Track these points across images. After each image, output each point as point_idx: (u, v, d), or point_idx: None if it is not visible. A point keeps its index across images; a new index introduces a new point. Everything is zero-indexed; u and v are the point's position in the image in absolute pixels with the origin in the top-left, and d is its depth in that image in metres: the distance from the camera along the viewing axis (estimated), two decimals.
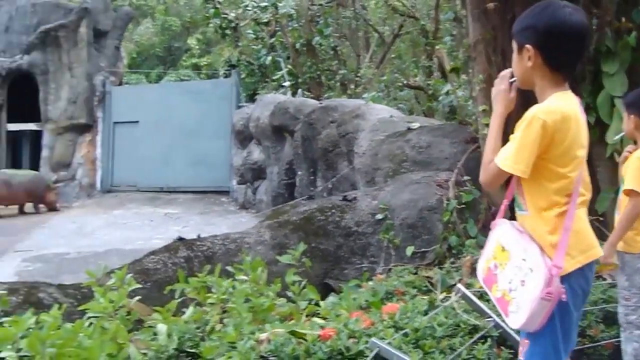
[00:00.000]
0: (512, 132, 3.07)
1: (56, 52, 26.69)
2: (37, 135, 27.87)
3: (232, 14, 25.88)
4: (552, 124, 2.95)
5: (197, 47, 43.71)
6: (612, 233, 4.58)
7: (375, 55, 26.61)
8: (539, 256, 3.00)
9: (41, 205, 23.10)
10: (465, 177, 7.91)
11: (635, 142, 4.77)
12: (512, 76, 3.28)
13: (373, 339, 4.02)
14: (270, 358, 4.01)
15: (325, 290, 7.03)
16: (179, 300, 5.61)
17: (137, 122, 26.75)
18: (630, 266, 4.61)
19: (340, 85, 23.92)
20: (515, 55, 3.26)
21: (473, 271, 6.20)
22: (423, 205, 7.66)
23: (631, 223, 4.51)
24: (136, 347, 4.58)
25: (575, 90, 3.22)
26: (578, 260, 3.06)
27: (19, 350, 4.22)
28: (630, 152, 4.75)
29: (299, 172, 15.21)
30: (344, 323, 4.43)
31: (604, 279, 5.41)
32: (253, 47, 26.48)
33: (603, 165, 7.01)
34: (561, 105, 3.04)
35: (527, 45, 3.13)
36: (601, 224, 5.69)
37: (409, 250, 7.34)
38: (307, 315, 5.36)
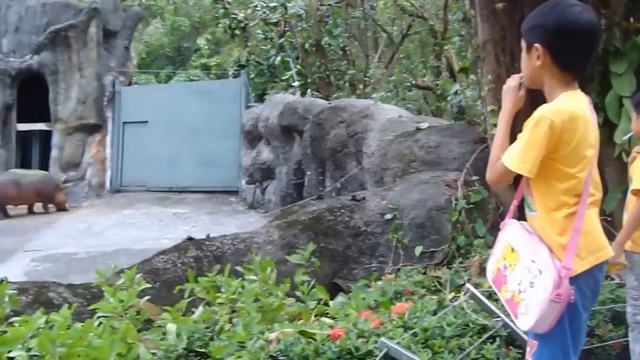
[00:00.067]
0: (520, 131, 3.07)
1: (66, 52, 26.75)
2: (46, 135, 27.92)
3: (241, 14, 25.88)
4: (559, 123, 2.94)
5: (206, 47, 43.75)
6: (619, 233, 4.58)
7: (384, 56, 26.61)
8: (548, 258, 2.99)
9: (50, 205, 23.12)
10: (474, 177, 7.90)
11: None
12: None
13: (382, 339, 4.03)
14: (280, 358, 4.02)
15: (334, 290, 7.03)
16: (189, 300, 5.63)
17: (146, 122, 26.80)
18: (639, 266, 4.61)
19: (349, 86, 23.92)
20: (524, 55, 3.25)
21: (481, 271, 6.20)
22: (432, 205, 7.65)
23: (639, 222, 4.51)
24: (145, 346, 4.59)
25: (584, 90, 3.22)
26: (588, 261, 3.05)
27: (29, 349, 4.24)
28: (639, 152, 4.75)
29: (308, 172, 15.21)
30: (353, 323, 4.44)
31: (612, 279, 5.41)
32: (262, 47, 26.48)
33: (611, 165, 7.00)
34: (569, 105, 3.03)
35: (536, 45, 3.12)
36: (609, 224, 5.68)
37: (418, 250, 7.34)
38: (316, 315, 5.37)
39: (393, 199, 7.88)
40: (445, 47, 20.88)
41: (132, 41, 31.01)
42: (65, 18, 27.00)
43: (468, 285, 4.99)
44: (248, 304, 5.15)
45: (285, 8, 22.79)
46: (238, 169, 24.45)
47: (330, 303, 5.69)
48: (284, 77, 23.54)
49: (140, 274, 5.82)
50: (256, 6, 23.78)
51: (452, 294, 5.65)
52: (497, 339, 4.24)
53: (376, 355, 3.95)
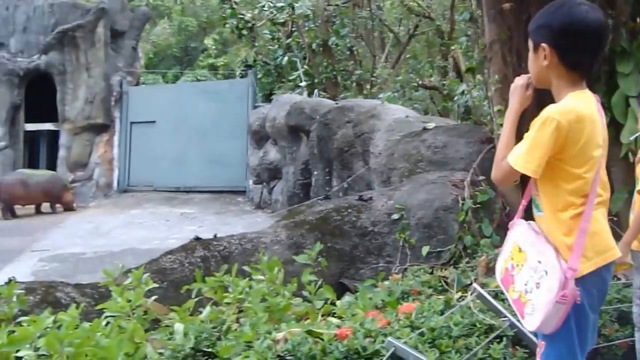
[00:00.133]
0: (527, 131, 3.07)
1: (74, 52, 26.81)
2: (54, 135, 27.99)
3: (249, 15, 25.92)
4: (566, 124, 2.94)
5: (213, 47, 43.76)
6: (626, 233, 4.57)
7: (391, 56, 26.62)
8: (554, 258, 2.99)
9: (58, 205, 23.19)
10: (481, 177, 7.90)
11: None
12: None
13: (389, 339, 4.03)
14: (287, 357, 4.03)
15: (341, 290, 7.03)
16: (196, 299, 5.63)
17: (153, 122, 26.85)
18: None
19: (356, 86, 23.91)
20: (531, 55, 3.25)
21: (488, 271, 6.21)
22: (439, 205, 7.65)
23: None
24: (153, 346, 4.60)
25: (591, 90, 3.21)
26: (594, 262, 3.04)
27: (37, 349, 4.26)
28: None
29: (315, 172, 15.21)
30: (360, 322, 4.44)
31: (619, 279, 5.41)
32: (269, 47, 26.52)
33: (617, 165, 6.99)
34: (576, 105, 3.02)
35: (543, 44, 3.11)
36: (615, 224, 5.68)
37: (425, 250, 7.34)
38: (323, 315, 5.38)
39: (400, 199, 7.88)
40: (452, 47, 20.86)
41: (139, 41, 31.05)
42: (73, 18, 27.07)
43: (475, 285, 4.99)
44: (255, 303, 5.16)
45: (293, 8, 22.80)
46: (245, 169, 24.50)
47: (337, 303, 5.69)
48: (291, 77, 23.55)
49: (147, 274, 5.84)
50: (263, 6, 23.80)
51: (459, 293, 5.65)
52: (504, 338, 4.24)
53: (383, 355, 3.96)
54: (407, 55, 26.60)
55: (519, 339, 4.35)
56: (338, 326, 4.49)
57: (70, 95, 26.97)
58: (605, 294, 3.27)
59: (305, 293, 5.72)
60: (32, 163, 28.25)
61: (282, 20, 24.36)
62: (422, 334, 4.25)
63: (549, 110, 3.00)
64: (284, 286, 5.61)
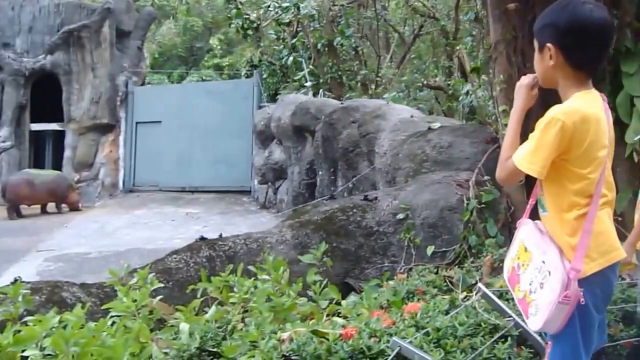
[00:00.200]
0: (532, 130, 3.07)
1: (79, 52, 26.83)
2: (59, 135, 27.99)
3: (254, 15, 25.91)
4: (571, 125, 2.94)
5: (218, 47, 43.75)
6: (631, 233, 4.57)
7: (396, 56, 26.64)
8: (558, 259, 3.00)
9: (63, 205, 23.20)
10: (486, 177, 7.90)
11: None
12: None
13: (394, 338, 4.03)
14: (292, 357, 4.03)
15: (346, 290, 7.04)
16: (201, 299, 5.64)
17: (159, 122, 26.85)
18: None
19: (361, 86, 23.89)
20: (536, 55, 3.26)
21: (493, 270, 6.21)
22: (444, 205, 7.65)
23: None
24: (158, 346, 4.61)
25: (596, 89, 3.22)
26: (598, 262, 3.05)
27: (43, 349, 4.26)
28: None
29: (320, 172, 15.21)
30: (365, 322, 4.45)
31: (623, 279, 5.41)
32: (275, 47, 26.52)
33: (622, 165, 6.99)
34: (581, 106, 3.02)
35: (548, 44, 3.12)
36: (620, 224, 5.68)
37: (430, 249, 7.34)
38: (328, 315, 5.38)
39: (405, 199, 7.88)
40: (457, 47, 20.87)
41: (145, 41, 31.04)
42: (79, 18, 27.09)
43: (480, 284, 4.99)
44: (260, 303, 5.16)
45: (298, 8, 22.79)
46: (250, 169, 24.49)
47: (343, 303, 5.69)
48: (296, 77, 23.56)
49: (153, 274, 5.85)
50: (269, 6, 23.82)
51: (464, 293, 5.65)
52: (509, 338, 4.24)
53: (388, 355, 3.96)
54: (412, 55, 26.58)
55: (524, 339, 4.35)
56: (343, 326, 4.49)
57: (76, 95, 26.99)
58: (611, 295, 3.28)
59: (310, 293, 5.72)
60: (38, 163, 28.26)
61: (287, 21, 24.35)
62: (427, 334, 4.26)
63: (553, 111, 3.00)
64: (289, 286, 5.61)
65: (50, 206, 23.10)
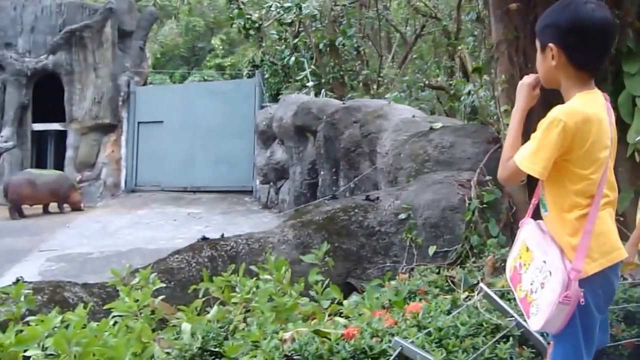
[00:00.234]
0: (534, 131, 3.07)
1: (81, 52, 26.85)
2: (61, 135, 28.01)
3: (256, 15, 25.91)
4: (573, 125, 2.94)
5: (220, 47, 43.74)
6: (633, 233, 4.57)
7: (398, 56, 26.65)
8: (559, 259, 3.00)
9: (65, 205, 23.23)
10: (487, 177, 7.90)
11: None
12: None
13: (396, 338, 4.03)
14: (294, 357, 4.03)
15: (348, 290, 7.04)
16: (203, 299, 5.65)
17: (161, 122, 26.88)
18: None
19: (363, 86, 23.88)
20: (539, 55, 3.25)
21: (495, 270, 6.21)
22: (445, 205, 7.65)
23: None
24: (160, 346, 4.62)
25: (598, 89, 3.21)
26: (600, 262, 3.04)
27: (45, 349, 4.28)
28: None
29: (322, 172, 15.21)
30: (367, 322, 4.44)
31: (625, 278, 5.41)
32: (276, 47, 26.51)
33: (623, 165, 6.99)
34: (583, 107, 3.02)
35: (550, 44, 3.11)
36: (621, 224, 5.68)
37: (432, 249, 7.34)
38: (329, 315, 5.38)
39: (407, 199, 7.88)
40: (459, 47, 20.85)
41: (147, 41, 31.06)
42: (81, 18, 27.13)
43: (481, 284, 4.99)
44: (262, 303, 5.17)
45: (300, 8, 22.78)
46: (252, 169, 24.52)
47: (344, 302, 5.69)
48: (298, 77, 23.54)
49: (155, 274, 5.87)
50: (270, 6, 23.80)
51: (466, 293, 5.65)
52: (511, 338, 4.24)
53: (390, 355, 3.96)
54: (414, 55, 26.60)
55: (525, 339, 4.34)
56: (345, 326, 4.49)
57: (78, 95, 27.01)
58: (613, 295, 3.27)
59: (312, 293, 5.73)
60: (40, 163, 28.27)
61: (289, 21, 24.33)
62: (429, 334, 4.25)
63: (555, 112, 3.00)
64: (291, 286, 5.61)
65: (52, 206, 23.13)
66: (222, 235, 7.83)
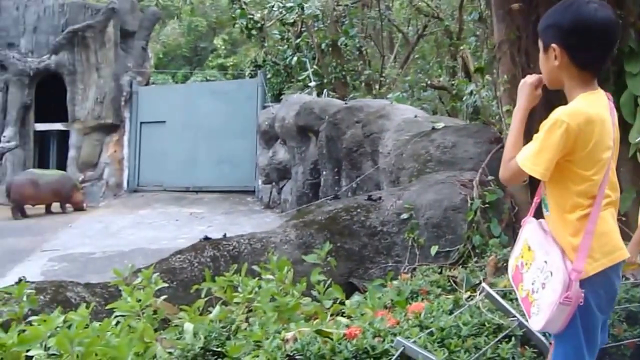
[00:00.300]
0: (537, 131, 3.06)
1: (84, 52, 26.88)
2: (64, 135, 28.05)
3: (258, 15, 25.88)
4: (575, 126, 2.93)
5: (223, 47, 43.75)
6: (635, 233, 4.57)
7: (400, 56, 26.65)
8: (560, 260, 3.00)
9: (68, 205, 23.25)
10: (490, 177, 7.90)
11: None
12: None
13: (398, 338, 4.03)
14: (296, 357, 4.03)
15: (350, 290, 7.04)
16: (205, 299, 5.65)
17: (163, 122, 26.91)
18: None
19: (365, 86, 23.89)
20: (541, 55, 3.24)
21: (497, 270, 6.21)
22: (447, 205, 7.65)
23: None
24: (162, 345, 4.62)
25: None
26: (601, 262, 3.04)
27: (47, 348, 4.28)
28: None
29: (324, 172, 15.21)
30: (369, 322, 4.44)
31: (627, 278, 5.41)
32: (279, 47, 26.49)
33: (625, 164, 6.98)
34: (586, 108, 3.01)
35: (553, 45, 3.10)
36: (623, 224, 5.68)
37: (434, 249, 7.34)
38: (332, 315, 5.38)
39: (409, 199, 7.88)
40: (461, 47, 20.84)
41: (149, 41, 31.07)
42: (83, 18, 27.17)
43: (483, 284, 4.99)
44: (265, 303, 5.17)
45: (302, 8, 22.76)
46: (254, 169, 24.54)
47: (346, 302, 5.69)
48: (300, 77, 23.51)
49: (157, 274, 5.86)
50: (273, 6, 23.77)
51: (468, 293, 5.64)
52: (513, 338, 4.24)
53: (392, 355, 3.96)
54: (416, 55, 26.61)
55: (527, 339, 4.35)
56: (347, 326, 4.49)
57: (80, 95, 27.05)
58: (615, 295, 3.25)
59: (314, 293, 5.73)
60: (42, 163, 28.32)
61: (291, 21, 24.30)
62: (431, 334, 4.25)
63: (558, 113, 2.99)
64: (293, 286, 5.61)
65: (55, 206, 23.14)
66: (225, 235, 7.83)
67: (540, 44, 3.24)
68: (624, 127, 6.88)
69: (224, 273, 5.89)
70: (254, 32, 26.16)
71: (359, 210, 7.90)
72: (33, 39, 27.61)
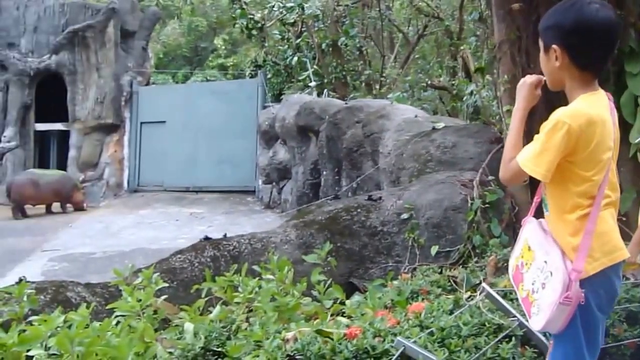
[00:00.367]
0: (537, 132, 3.06)
1: (84, 52, 26.89)
2: (64, 135, 28.06)
3: (258, 15, 25.87)
4: (577, 128, 2.92)
5: (223, 47, 43.74)
6: (635, 233, 4.57)
7: (400, 56, 26.65)
8: (560, 260, 2.99)
9: (68, 205, 23.25)
10: (490, 177, 7.90)
11: None
12: None
13: (399, 338, 4.03)
14: (297, 357, 4.03)
15: (350, 290, 7.03)
16: (206, 299, 5.65)
17: (164, 122, 26.92)
18: None
19: (366, 86, 23.89)
20: (542, 56, 3.23)
21: (497, 270, 6.21)
22: (448, 205, 7.65)
23: None
24: (163, 345, 4.62)
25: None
26: (601, 262, 3.03)
27: (47, 348, 4.28)
28: None
29: (324, 172, 15.21)
30: (370, 322, 4.44)
31: (628, 278, 5.41)
32: (279, 47, 26.48)
33: (626, 165, 6.97)
34: (587, 109, 3.00)
35: (554, 45, 3.09)
36: (624, 224, 5.68)
37: (434, 249, 7.33)
38: (332, 315, 5.38)
39: (409, 199, 7.88)
40: (461, 47, 20.83)
41: (149, 41, 31.08)
42: (83, 18, 27.19)
43: (484, 284, 4.99)
44: (265, 303, 5.17)
45: (302, 9, 22.75)
46: (255, 169, 24.55)
47: (347, 302, 5.69)
48: (300, 77, 23.51)
49: (157, 274, 5.86)
50: (273, 6, 23.77)
51: (468, 293, 5.64)
52: (513, 338, 4.24)
53: (392, 354, 3.96)
54: (416, 55, 26.61)
55: (527, 339, 4.35)
56: (347, 326, 4.49)
57: (81, 95, 27.06)
58: (615, 295, 3.24)
59: (314, 292, 5.72)
60: (43, 163, 28.32)
61: (291, 21, 24.29)
62: (431, 334, 4.25)
63: (559, 113, 2.98)
64: (293, 286, 5.61)
65: (55, 206, 23.15)
66: (225, 235, 7.83)
67: (541, 45, 3.23)
68: (624, 127, 6.88)
69: (224, 273, 5.89)
70: (254, 32, 26.15)
71: (359, 210, 7.90)
72: (33, 39, 27.63)
